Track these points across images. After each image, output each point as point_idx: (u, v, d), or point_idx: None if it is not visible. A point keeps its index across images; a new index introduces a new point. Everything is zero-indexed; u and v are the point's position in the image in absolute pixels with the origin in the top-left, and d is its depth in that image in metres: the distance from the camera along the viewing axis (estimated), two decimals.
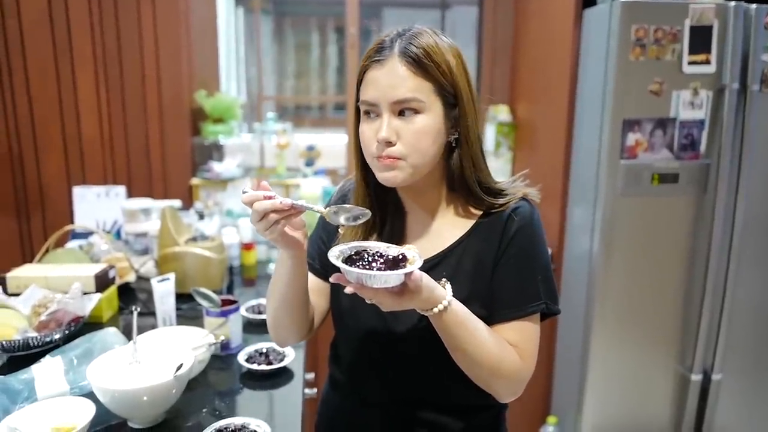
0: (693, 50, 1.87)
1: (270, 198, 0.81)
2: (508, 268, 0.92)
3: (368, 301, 0.77)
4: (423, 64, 0.84)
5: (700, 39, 1.86)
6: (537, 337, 0.93)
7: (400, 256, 0.78)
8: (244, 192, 0.83)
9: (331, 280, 0.80)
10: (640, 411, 2.11)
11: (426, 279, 0.78)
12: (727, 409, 2.08)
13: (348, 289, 0.76)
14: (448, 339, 0.85)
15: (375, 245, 0.82)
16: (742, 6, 1.85)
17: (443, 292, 0.82)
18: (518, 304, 0.91)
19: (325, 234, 1.05)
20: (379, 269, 0.75)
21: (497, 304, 0.92)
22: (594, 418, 2.11)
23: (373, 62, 0.86)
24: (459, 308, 0.84)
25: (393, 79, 0.84)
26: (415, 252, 0.79)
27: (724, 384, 2.05)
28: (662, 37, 1.85)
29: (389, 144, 0.86)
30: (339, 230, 0.96)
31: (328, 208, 0.85)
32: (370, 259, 0.78)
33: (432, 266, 0.94)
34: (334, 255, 0.78)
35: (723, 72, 1.87)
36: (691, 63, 1.87)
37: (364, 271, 0.74)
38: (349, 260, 0.78)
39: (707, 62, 1.87)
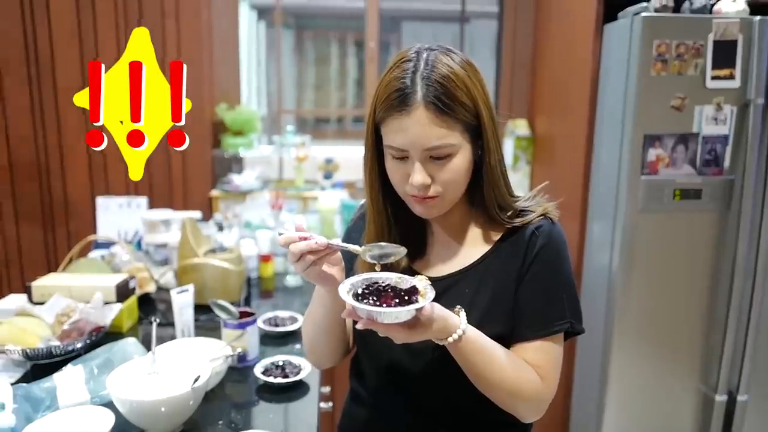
0: (716, 65, 1.84)
1: (305, 239, 0.83)
2: (532, 287, 0.91)
3: (381, 335, 0.78)
4: (450, 107, 0.83)
5: (724, 54, 1.84)
6: (560, 357, 0.92)
7: (412, 289, 0.78)
8: (280, 234, 0.85)
9: (342, 315, 0.81)
10: (662, 431, 2.06)
11: (438, 310, 0.78)
12: (753, 430, 2.02)
13: (359, 325, 0.77)
14: (464, 365, 0.85)
15: (386, 277, 0.82)
16: (767, 20, 1.82)
17: (457, 320, 0.81)
18: (542, 323, 0.90)
19: (349, 254, 1.05)
20: (389, 304, 0.75)
21: (520, 322, 0.91)
22: None
23: (396, 111, 0.84)
24: (474, 335, 0.83)
25: (422, 129, 0.83)
26: (427, 283, 0.79)
27: (751, 405, 1.99)
28: (685, 52, 1.83)
29: (425, 187, 0.86)
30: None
31: (363, 247, 0.85)
32: (381, 292, 0.78)
33: (453, 283, 0.94)
34: (345, 290, 0.79)
35: (748, 87, 1.84)
36: (714, 78, 1.85)
37: (374, 309, 0.74)
38: (360, 295, 0.78)
39: (731, 77, 1.85)
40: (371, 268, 0.86)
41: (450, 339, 0.80)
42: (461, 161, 0.87)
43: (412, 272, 0.93)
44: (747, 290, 1.94)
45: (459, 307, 0.84)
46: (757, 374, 1.99)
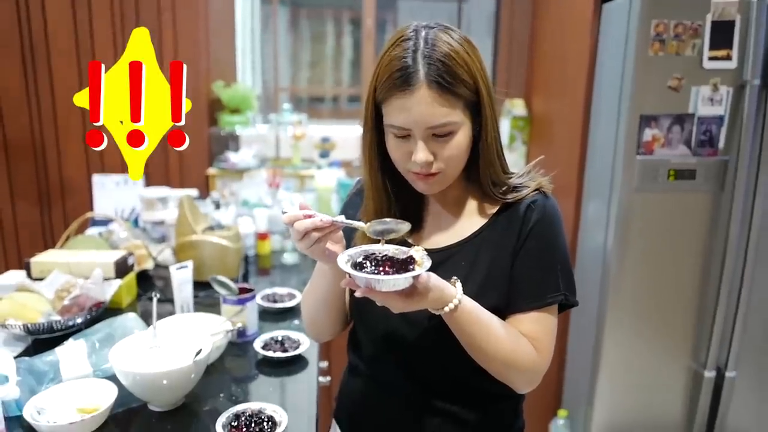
0: (714, 45, 1.84)
1: (310, 217, 0.84)
2: (527, 259, 0.93)
3: (379, 304, 0.79)
4: (452, 85, 0.83)
5: (722, 34, 1.84)
6: (554, 328, 0.94)
7: (409, 259, 0.80)
8: (283, 212, 0.86)
9: (341, 285, 0.82)
10: (652, 406, 2.11)
11: (434, 279, 0.80)
12: (740, 406, 2.07)
13: (358, 293, 0.78)
14: (461, 335, 0.87)
15: (384, 248, 0.84)
16: (765, 1, 1.82)
17: (453, 290, 0.83)
18: (537, 294, 0.92)
19: (348, 230, 1.06)
20: (387, 273, 0.77)
21: (515, 294, 0.93)
22: (605, 413, 2.11)
23: (398, 90, 0.84)
24: (470, 305, 0.85)
25: (425, 107, 0.83)
26: (423, 253, 0.81)
27: (738, 381, 2.04)
28: (682, 32, 1.83)
29: (428, 164, 0.87)
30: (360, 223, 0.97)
31: (368, 223, 0.86)
32: (378, 262, 0.80)
33: (450, 255, 0.95)
34: (344, 260, 0.80)
35: (744, 68, 1.84)
36: (711, 58, 1.85)
37: (372, 276, 0.76)
38: (358, 265, 0.80)
39: (728, 58, 1.85)
40: (373, 242, 0.87)
41: (446, 309, 0.82)
42: (462, 138, 0.88)
43: (409, 245, 0.94)
44: (738, 269, 1.97)
45: (455, 278, 0.86)
46: (744, 351, 2.03)
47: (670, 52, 1.84)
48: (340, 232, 0.90)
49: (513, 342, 0.89)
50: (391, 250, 0.83)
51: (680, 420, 2.12)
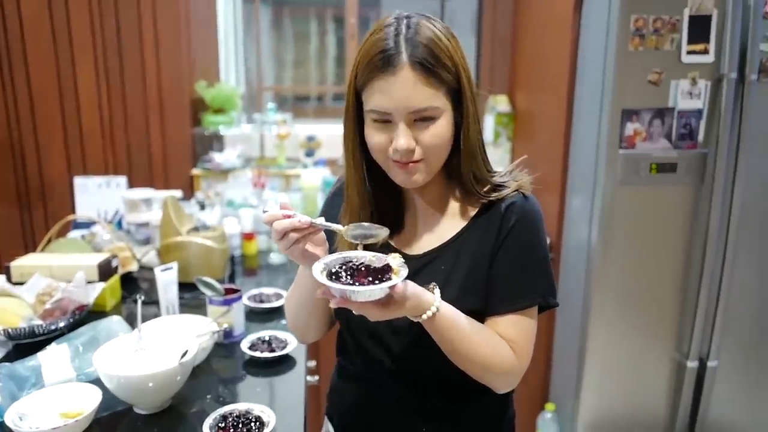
0: (692, 40, 1.87)
1: (289, 217, 0.82)
2: (505, 262, 0.92)
3: (355, 313, 0.78)
4: (435, 68, 0.83)
5: (699, 28, 1.86)
6: (533, 331, 0.94)
7: (386, 267, 0.79)
8: (264, 211, 0.84)
9: (316, 295, 0.80)
10: (638, 398, 2.14)
11: (411, 288, 0.79)
12: (722, 395, 2.11)
13: (332, 304, 0.77)
14: (439, 340, 0.86)
15: (360, 255, 0.82)
16: None
17: (431, 297, 0.82)
18: (515, 297, 0.91)
19: (330, 232, 1.04)
20: (362, 283, 0.76)
21: (493, 297, 0.92)
22: (592, 406, 2.14)
23: (381, 72, 0.83)
24: (449, 311, 0.84)
25: (407, 90, 0.82)
26: (400, 261, 0.80)
27: (720, 370, 2.07)
28: (661, 27, 1.85)
29: (409, 151, 0.85)
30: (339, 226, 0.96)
31: (345, 227, 0.85)
32: (354, 271, 0.78)
33: (430, 260, 0.94)
34: (319, 269, 0.79)
35: (721, 62, 1.87)
36: (689, 53, 1.87)
37: (348, 287, 0.75)
38: (334, 274, 0.78)
39: (706, 52, 1.88)
40: (353, 247, 0.87)
41: (424, 316, 0.81)
42: (445, 125, 0.86)
43: (390, 249, 0.93)
44: (718, 260, 2.00)
45: (433, 284, 0.85)
46: (725, 341, 2.07)
47: (650, 46, 1.86)
48: (322, 234, 0.88)
49: (491, 346, 0.89)
50: (368, 257, 0.82)
51: (665, 410, 2.15)
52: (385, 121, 0.85)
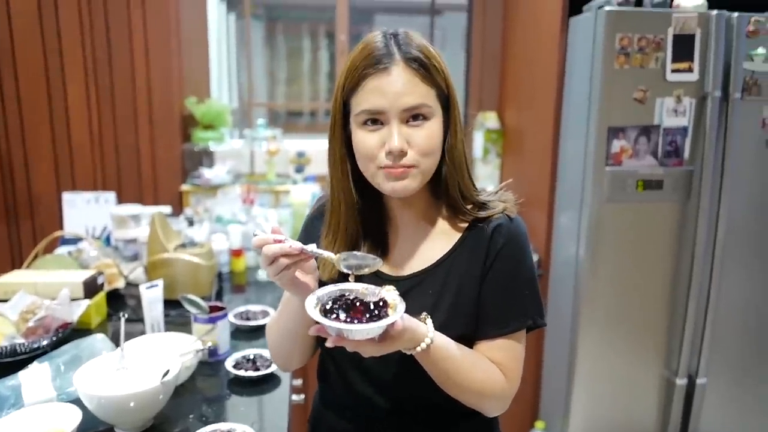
0: (676, 58, 1.90)
1: (280, 242, 0.79)
2: (494, 286, 0.91)
3: (350, 350, 0.76)
4: (428, 68, 0.83)
5: (683, 47, 1.89)
6: (522, 354, 0.93)
7: (381, 301, 0.77)
8: (254, 235, 0.82)
9: (310, 332, 0.78)
10: (627, 415, 2.13)
11: (407, 321, 0.77)
12: (711, 412, 2.11)
13: (328, 343, 0.75)
14: (431, 370, 0.85)
15: (353, 288, 0.80)
16: (723, 15, 1.88)
17: (425, 329, 0.81)
18: (504, 321, 0.91)
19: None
20: (359, 319, 0.74)
21: (482, 321, 0.91)
22: (581, 423, 2.13)
23: (374, 70, 0.82)
24: (441, 342, 0.83)
25: (402, 86, 0.82)
26: (395, 295, 0.78)
27: (709, 388, 2.07)
28: (646, 46, 1.88)
29: (402, 153, 0.83)
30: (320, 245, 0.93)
31: (337, 255, 0.82)
32: (349, 306, 0.76)
33: (417, 283, 0.93)
34: (312, 304, 0.77)
35: (705, 80, 1.90)
36: (674, 71, 1.90)
37: (346, 326, 0.73)
38: (328, 310, 0.76)
39: (690, 70, 1.91)
40: (337, 271, 0.85)
41: (418, 348, 0.80)
42: (436, 128, 0.86)
43: (377, 273, 0.89)
44: (705, 277, 2.01)
45: (425, 314, 0.84)
46: (714, 358, 2.07)
47: (635, 65, 1.89)
48: (313, 262, 0.85)
49: (482, 372, 0.88)
50: (361, 289, 0.80)
51: (654, 427, 2.14)
52: (376, 122, 0.84)
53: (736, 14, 1.89)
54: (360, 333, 0.73)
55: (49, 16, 2.43)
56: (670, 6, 1.95)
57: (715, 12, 1.87)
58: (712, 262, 2.00)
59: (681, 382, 2.06)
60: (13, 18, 2.41)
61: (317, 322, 0.75)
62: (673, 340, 2.07)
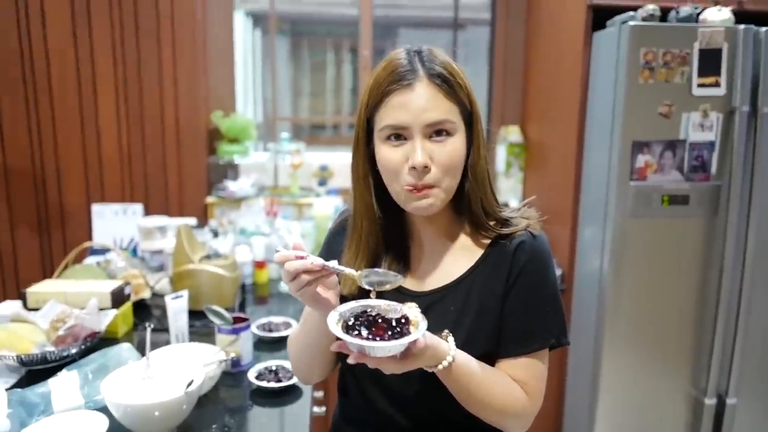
0: (702, 73, 1.88)
1: (301, 258, 0.80)
2: (516, 304, 0.90)
3: (371, 367, 0.76)
4: (451, 85, 0.84)
5: (710, 61, 1.87)
6: (544, 372, 0.92)
7: (403, 318, 0.77)
8: (277, 251, 0.83)
9: (332, 348, 0.78)
10: None
11: (429, 339, 0.77)
12: None
13: (350, 360, 0.75)
14: (454, 389, 0.84)
15: (375, 304, 0.80)
16: (751, 29, 1.86)
17: (446, 347, 0.80)
18: (526, 340, 0.90)
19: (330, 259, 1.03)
20: (381, 336, 0.74)
21: (505, 339, 0.90)
22: None
23: (398, 87, 0.83)
24: (463, 359, 0.83)
25: (425, 102, 0.82)
26: (417, 312, 0.78)
27: (740, 408, 2.01)
28: (671, 60, 1.87)
29: (425, 169, 0.83)
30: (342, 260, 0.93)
31: (359, 272, 0.83)
32: (371, 323, 0.76)
33: (438, 299, 0.92)
34: (334, 320, 0.77)
35: (733, 94, 1.87)
36: (700, 85, 1.88)
37: (367, 343, 0.73)
38: (351, 327, 0.76)
39: (717, 85, 1.88)
40: (360, 287, 0.85)
41: (440, 366, 0.79)
42: (459, 144, 0.86)
43: (398, 288, 0.90)
44: (734, 294, 1.97)
45: (447, 331, 0.83)
46: (745, 377, 2.01)
47: (660, 79, 1.87)
48: (334, 278, 0.85)
49: (505, 390, 0.88)
50: (383, 306, 0.80)
51: None
52: (400, 137, 0.85)
53: (764, 29, 1.87)
54: (381, 350, 0.73)
55: (83, 35, 2.52)
56: (696, 21, 1.94)
57: (742, 26, 1.85)
58: (741, 278, 1.96)
59: (710, 401, 2.00)
60: (48, 35, 2.50)
61: (339, 338, 0.75)
62: (701, 358, 2.02)
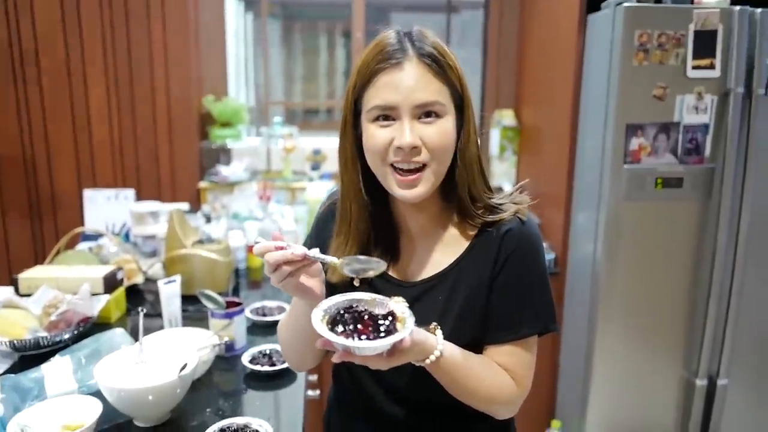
0: (697, 55, 1.87)
1: (281, 249, 0.78)
2: (504, 292, 0.90)
3: (358, 363, 0.74)
4: (441, 65, 0.82)
5: (705, 43, 1.86)
6: (532, 359, 0.92)
7: (390, 314, 0.75)
8: (256, 242, 0.81)
9: (317, 346, 0.75)
10: (645, 416, 2.11)
11: (416, 335, 0.76)
12: (732, 414, 2.07)
13: (335, 358, 0.74)
14: (442, 380, 0.85)
15: (361, 298, 0.78)
16: (747, 10, 1.84)
17: (434, 340, 0.80)
18: (514, 327, 0.90)
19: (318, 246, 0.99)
20: (367, 334, 0.72)
21: (491, 327, 0.90)
22: (598, 423, 2.11)
23: (387, 65, 0.81)
24: (451, 351, 0.82)
25: (415, 81, 0.80)
26: (404, 307, 0.76)
27: (730, 389, 2.04)
28: (666, 42, 1.85)
29: (414, 150, 0.81)
30: (330, 246, 0.93)
31: (341, 260, 0.81)
32: (357, 319, 0.74)
33: (427, 289, 0.92)
34: (318, 317, 0.75)
35: (728, 76, 1.87)
36: (695, 67, 1.87)
37: (352, 343, 0.71)
38: (336, 323, 0.75)
39: (712, 67, 1.87)
40: (344, 275, 0.84)
41: (428, 360, 0.79)
42: (448, 125, 0.84)
43: (384, 275, 0.89)
44: (726, 277, 1.98)
45: (435, 324, 0.83)
46: (735, 359, 2.03)
47: (654, 61, 1.86)
48: (318, 265, 0.83)
49: (492, 379, 0.88)
50: (368, 299, 0.78)
51: (673, 429, 2.11)
52: (388, 118, 0.82)
53: (759, 10, 1.85)
54: (367, 350, 0.71)
55: (72, 19, 2.47)
56: (691, 2, 1.92)
57: (738, 8, 1.83)
58: (734, 261, 1.97)
59: (701, 383, 2.02)
60: (37, 21, 2.46)
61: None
62: (693, 340, 2.04)
